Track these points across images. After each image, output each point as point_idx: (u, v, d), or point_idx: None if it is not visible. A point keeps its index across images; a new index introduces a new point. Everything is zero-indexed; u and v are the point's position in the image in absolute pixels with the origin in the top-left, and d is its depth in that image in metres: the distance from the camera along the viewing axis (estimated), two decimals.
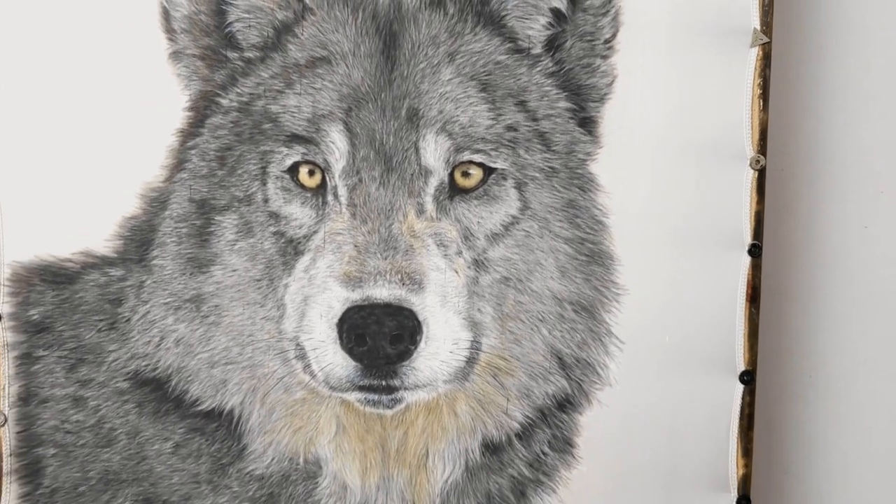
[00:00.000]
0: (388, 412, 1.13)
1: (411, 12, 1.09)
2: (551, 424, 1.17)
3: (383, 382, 1.06)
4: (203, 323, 1.12)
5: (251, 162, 1.10)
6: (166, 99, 1.10)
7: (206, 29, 1.10)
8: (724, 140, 1.16)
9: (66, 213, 1.12)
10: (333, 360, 1.06)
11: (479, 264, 1.11)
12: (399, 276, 1.05)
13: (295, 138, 1.09)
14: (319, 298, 1.07)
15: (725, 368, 1.19)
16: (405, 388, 1.08)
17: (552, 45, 1.12)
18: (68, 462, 1.15)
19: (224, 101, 1.11)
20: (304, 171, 1.09)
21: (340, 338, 1.05)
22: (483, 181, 1.10)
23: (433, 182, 1.08)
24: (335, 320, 1.05)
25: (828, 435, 1.35)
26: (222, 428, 1.14)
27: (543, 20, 1.12)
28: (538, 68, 1.12)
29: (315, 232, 1.09)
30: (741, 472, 1.20)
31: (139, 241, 1.12)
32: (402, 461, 1.15)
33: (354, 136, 1.07)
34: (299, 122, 1.09)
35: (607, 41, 1.13)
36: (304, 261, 1.09)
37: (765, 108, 1.15)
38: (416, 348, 1.05)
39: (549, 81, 1.12)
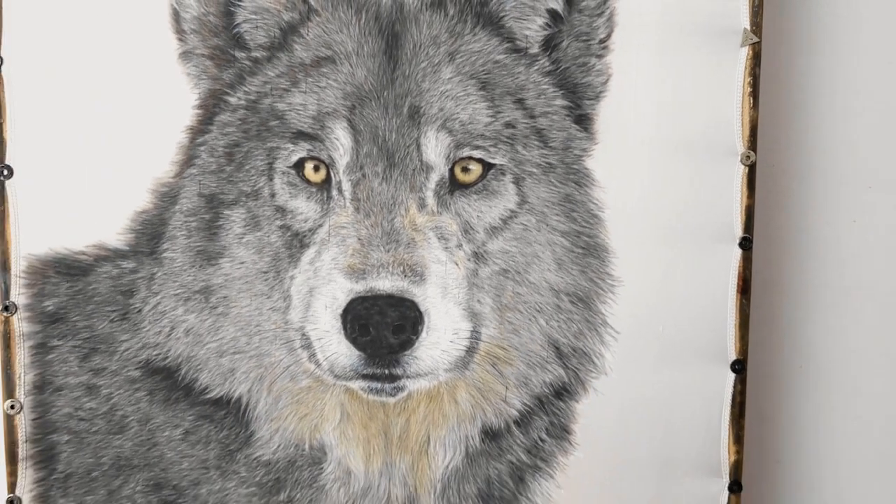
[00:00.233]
0: (391, 400, 1.13)
1: (413, 13, 1.09)
2: (548, 412, 1.17)
3: (386, 371, 1.07)
4: (212, 313, 1.12)
5: (258, 158, 1.11)
6: (176, 97, 1.11)
7: (214, 30, 1.10)
8: (715, 136, 1.16)
9: (79, 207, 1.12)
10: (338, 350, 1.06)
11: (478, 257, 1.11)
12: (401, 268, 1.05)
13: (301, 135, 1.09)
14: (324, 290, 1.07)
15: (717, 358, 1.19)
16: (407, 377, 1.08)
17: (549, 44, 1.12)
18: (82, 448, 1.16)
19: (232, 99, 1.11)
20: (309, 166, 1.09)
21: (345, 328, 1.05)
22: (482, 176, 1.10)
23: (434, 177, 1.09)
24: (339, 311, 1.05)
25: (818, 422, 1.35)
26: (230, 415, 1.14)
27: (540, 21, 1.12)
28: (535, 67, 1.12)
29: (320, 225, 1.10)
30: (733, 458, 1.20)
31: (150, 234, 1.12)
32: (405, 447, 1.15)
33: (358, 133, 1.08)
34: (305, 119, 1.09)
35: (602, 41, 1.13)
36: (309, 253, 1.10)
37: (755, 105, 1.15)
38: (417, 338, 1.05)
39: (546, 80, 1.12)
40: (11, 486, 1.15)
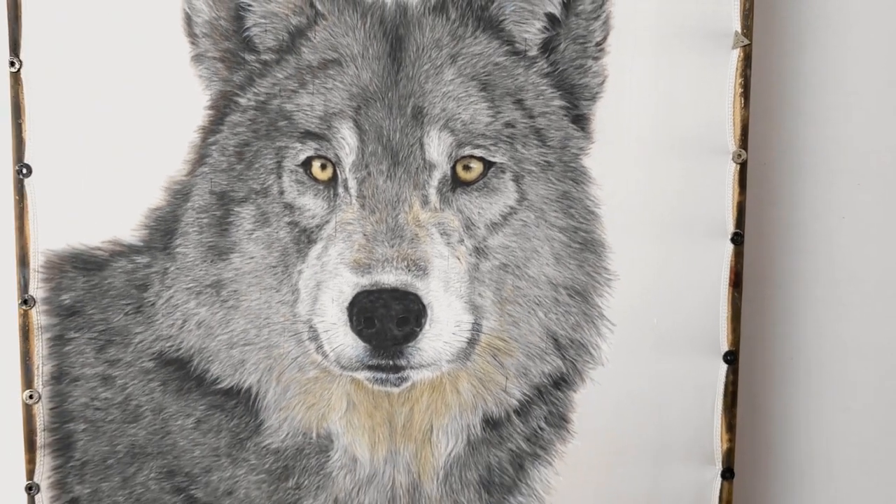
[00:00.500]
0: (395, 390, 1.14)
1: (416, 17, 1.10)
2: (547, 401, 1.18)
3: (390, 362, 1.08)
4: (223, 307, 1.13)
5: (267, 157, 1.11)
6: (189, 98, 1.12)
7: (225, 33, 1.11)
8: (708, 136, 1.16)
9: (95, 204, 1.13)
10: (344, 342, 1.08)
11: (479, 252, 1.12)
12: (405, 262, 1.07)
13: (308, 135, 1.10)
14: (331, 284, 1.08)
15: (710, 349, 1.20)
16: (411, 368, 1.09)
17: (547, 47, 1.13)
18: (97, 436, 1.17)
19: (242, 100, 1.12)
20: (316, 165, 1.10)
21: (350, 320, 1.06)
22: (483, 174, 1.11)
23: (437, 175, 1.10)
24: (346, 304, 1.06)
25: (807, 411, 1.35)
26: (241, 405, 1.15)
27: (539, 24, 1.12)
28: (534, 69, 1.13)
29: (327, 222, 1.10)
30: (725, 446, 1.21)
31: (164, 230, 1.13)
32: (409, 436, 1.16)
33: (363, 133, 1.09)
34: (312, 119, 1.10)
35: (598, 44, 1.13)
36: (316, 248, 1.11)
37: (746, 105, 1.15)
38: (421, 330, 1.06)
39: (545, 81, 1.13)
40: (30, 473, 1.17)
